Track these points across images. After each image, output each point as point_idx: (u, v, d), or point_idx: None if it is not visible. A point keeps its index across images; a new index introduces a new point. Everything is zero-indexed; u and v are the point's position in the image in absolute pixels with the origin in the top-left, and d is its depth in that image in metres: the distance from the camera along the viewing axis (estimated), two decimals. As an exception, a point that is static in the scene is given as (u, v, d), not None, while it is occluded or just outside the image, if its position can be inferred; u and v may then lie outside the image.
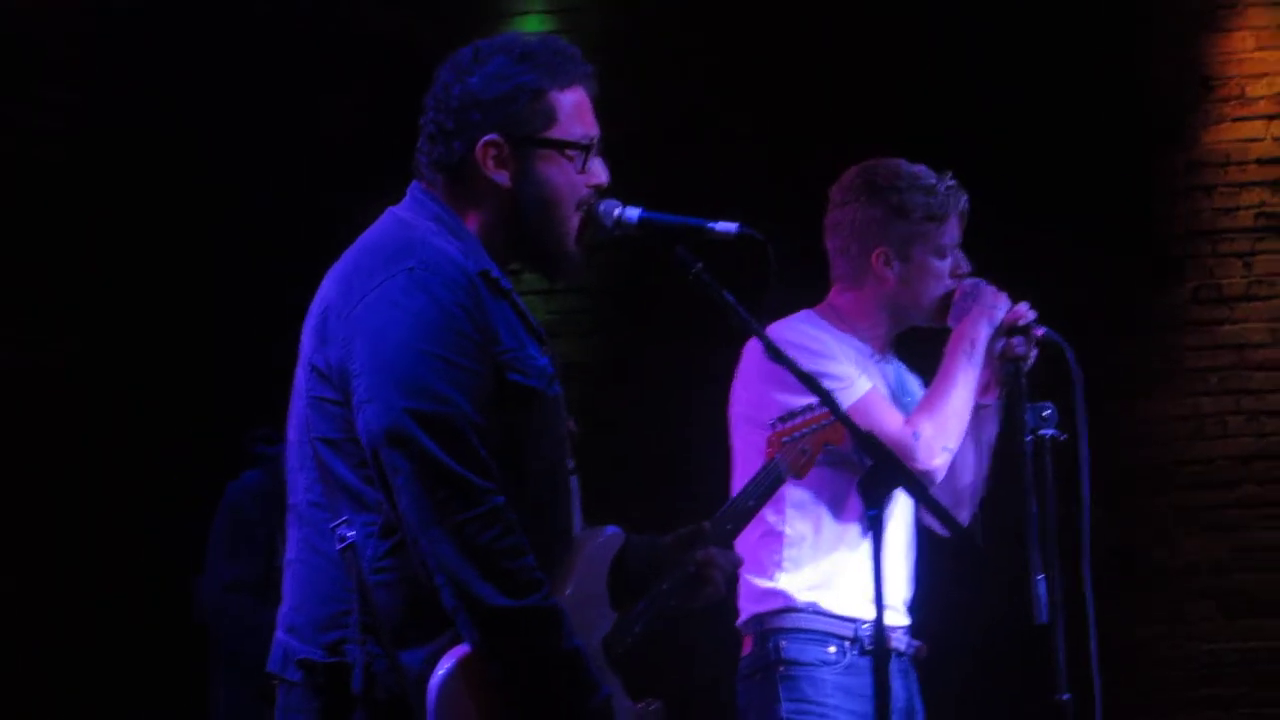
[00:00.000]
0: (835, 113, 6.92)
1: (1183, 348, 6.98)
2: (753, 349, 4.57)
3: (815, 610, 4.48)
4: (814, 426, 3.95)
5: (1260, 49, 7.11)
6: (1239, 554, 6.93)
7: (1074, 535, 4.40)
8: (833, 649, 4.47)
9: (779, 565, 4.52)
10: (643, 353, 7.12)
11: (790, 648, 4.47)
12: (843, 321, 4.64)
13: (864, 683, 4.48)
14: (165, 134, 7.59)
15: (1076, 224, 6.71)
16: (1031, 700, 4.56)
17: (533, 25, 7.33)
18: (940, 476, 4.50)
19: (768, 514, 4.15)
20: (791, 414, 3.98)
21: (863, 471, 4.01)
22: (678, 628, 3.67)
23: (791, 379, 3.58)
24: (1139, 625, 6.65)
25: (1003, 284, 4.64)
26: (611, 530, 3.57)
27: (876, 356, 4.67)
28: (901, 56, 6.99)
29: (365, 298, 3.31)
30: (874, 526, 3.37)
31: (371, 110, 7.35)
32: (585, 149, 3.47)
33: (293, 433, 3.43)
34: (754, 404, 4.51)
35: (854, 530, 4.52)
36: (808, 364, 4.14)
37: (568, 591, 3.38)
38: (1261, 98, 7.10)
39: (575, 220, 3.48)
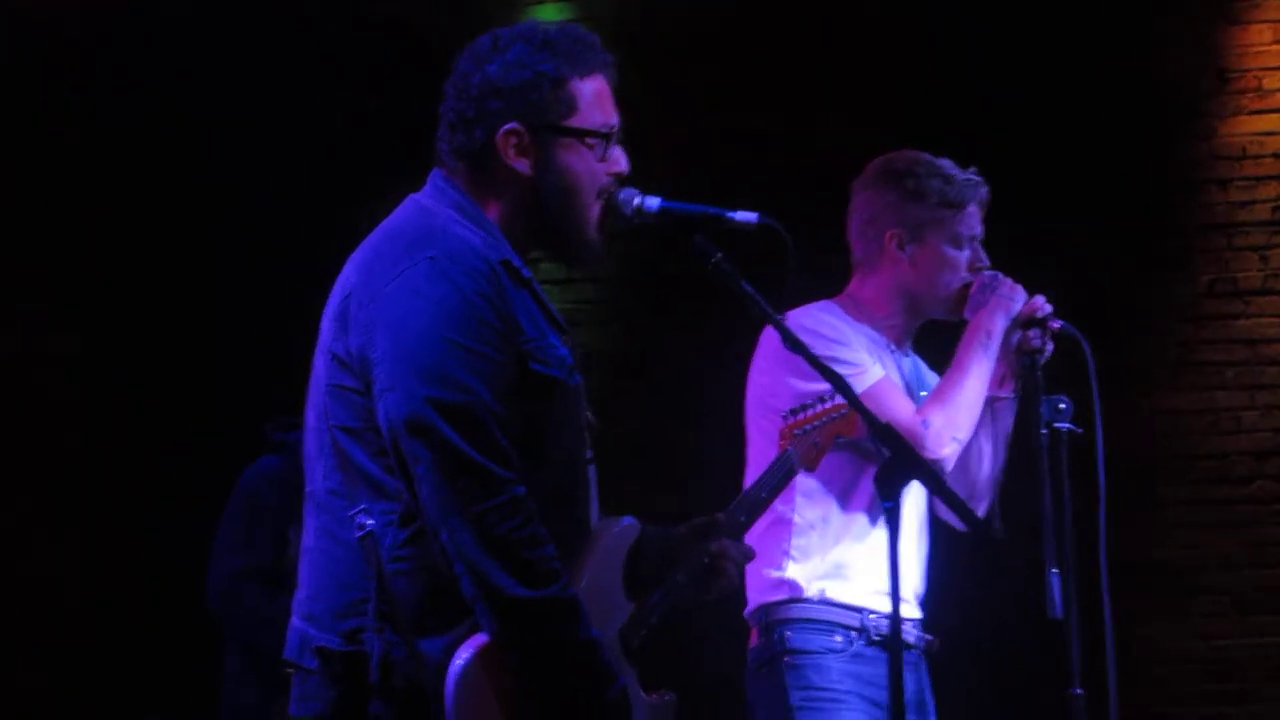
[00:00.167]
0: (851, 103, 6.91)
1: (1197, 342, 6.96)
2: (769, 336, 4.57)
3: (822, 600, 4.49)
4: (827, 419, 3.95)
5: (1277, 41, 7.09)
6: (1252, 549, 6.91)
7: (1088, 529, 4.39)
8: (839, 638, 4.48)
9: (787, 554, 4.52)
10: (659, 342, 7.11)
11: (795, 638, 4.48)
12: (860, 311, 4.64)
13: (872, 672, 4.48)
14: (171, 128, 7.58)
15: (1092, 217, 6.70)
16: (1044, 695, 4.56)
17: (549, 14, 7.32)
18: (950, 466, 4.50)
19: (777, 503, 4.15)
20: (804, 405, 3.98)
21: (876, 460, 4.04)
22: (691, 619, 3.66)
23: (807, 366, 3.58)
24: (1151, 620, 6.64)
25: (1017, 277, 4.65)
26: (628, 521, 3.56)
27: (892, 348, 4.67)
28: (917, 47, 6.98)
29: (387, 286, 3.30)
30: (890, 518, 3.37)
31: (389, 100, 7.34)
32: (606, 137, 3.47)
33: (311, 420, 3.42)
34: (769, 390, 4.52)
35: (863, 519, 4.52)
36: (821, 350, 4.18)
37: (584, 582, 3.37)
38: (1278, 90, 7.08)
39: (596, 209, 3.47)
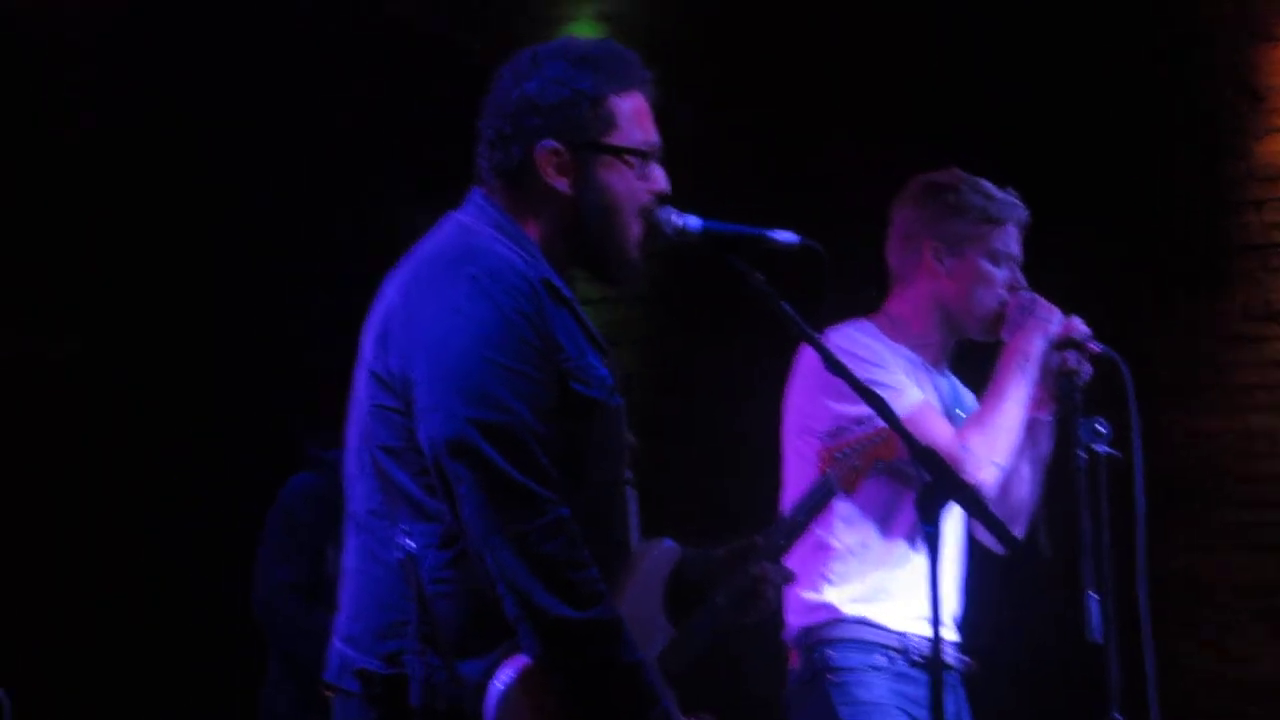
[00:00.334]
0: (892, 120, 6.89)
1: (1232, 364, 6.92)
2: (807, 357, 4.56)
3: (862, 622, 4.48)
4: (867, 442, 3.93)
5: (1315, 63, 7.06)
6: (1289, 573, 6.87)
7: (1125, 552, 4.36)
8: (880, 657, 4.47)
9: (826, 578, 4.52)
10: (695, 362, 7.10)
11: (838, 656, 4.48)
12: (896, 330, 4.63)
13: (915, 691, 4.48)
14: (177, 129, 7.58)
15: (1127, 238, 6.67)
16: (1083, 718, 4.53)
17: (581, 30, 7.32)
18: (991, 490, 4.48)
19: (816, 527, 4.13)
20: (843, 429, 3.97)
21: (915, 484, 4.01)
22: (728, 641, 3.64)
23: (846, 388, 3.57)
24: (1185, 644, 6.60)
25: (1053, 298, 4.63)
26: (667, 543, 3.55)
27: (930, 368, 4.66)
28: (956, 68, 6.96)
29: (427, 305, 3.29)
30: (931, 542, 3.34)
31: (422, 117, 7.34)
32: (645, 155, 3.46)
33: (352, 440, 3.41)
34: (807, 413, 4.51)
35: (902, 543, 4.51)
36: (860, 373, 4.11)
37: (623, 605, 3.35)
38: (1315, 112, 7.05)
39: (636, 227, 3.46)
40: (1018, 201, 4.65)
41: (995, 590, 4.89)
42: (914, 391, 4.48)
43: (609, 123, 3.42)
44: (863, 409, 3.94)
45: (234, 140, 7.53)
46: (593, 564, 3.22)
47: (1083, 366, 4.57)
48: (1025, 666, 6.24)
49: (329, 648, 3.39)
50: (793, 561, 3.88)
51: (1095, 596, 4.32)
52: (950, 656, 4.56)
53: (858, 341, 4.52)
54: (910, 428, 3.72)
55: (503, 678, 3.21)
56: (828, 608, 4.50)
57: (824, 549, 4.50)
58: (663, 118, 3.53)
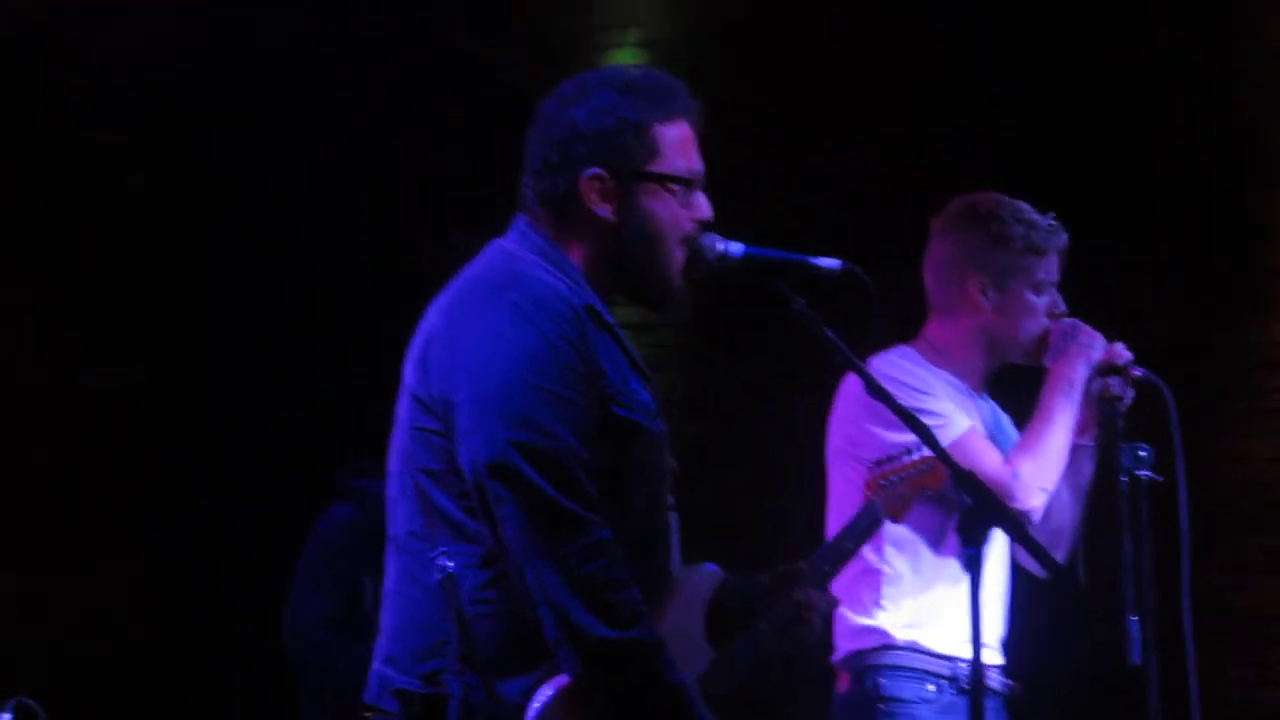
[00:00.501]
0: (943, 150, 6.88)
1: (1273, 389, 6.90)
2: (851, 383, 4.57)
3: (914, 648, 4.49)
4: (914, 471, 3.94)
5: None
6: (1329, 599, 6.84)
7: (1167, 577, 4.37)
8: (931, 687, 4.48)
9: (877, 603, 4.52)
10: (736, 387, 7.11)
11: (890, 685, 4.48)
12: (939, 356, 4.64)
13: (961, 720, 4.47)
14: (224, 163, 7.62)
15: (1169, 263, 6.66)
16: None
17: (625, 59, 7.34)
18: (1038, 516, 4.50)
19: (866, 551, 4.15)
20: (890, 458, 3.97)
21: (961, 509, 4.02)
22: (773, 668, 3.65)
23: (890, 415, 3.58)
24: (1225, 669, 6.58)
25: (1095, 323, 4.63)
26: (709, 568, 3.56)
27: (972, 393, 4.67)
28: (1009, 91, 6.94)
29: (470, 329, 3.31)
30: (972, 565, 3.36)
31: (467, 147, 7.37)
32: (689, 183, 3.47)
33: (394, 463, 3.43)
34: (851, 439, 4.52)
35: (952, 567, 4.51)
36: (906, 401, 4.16)
37: (665, 629, 3.35)
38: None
39: (680, 255, 3.47)
40: (1058, 227, 4.65)
41: (1038, 614, 4.89)
42: (961, 419, 4.49)
43: (653, 151, 3.43)
44: (909, 436, 3.98)
45: (276, 175, 7.56)
46: (634, 585, 3.23)
47: (1125, 392, 4.58)
48: (1067, 689, 6.23)
49: (369, 670, 3.41)
50: (842, 585, 3.90)
51: (1136, 620, 4.33)
52: (994, 680, 4.57)
53: (902, 368, 4.53)
54: (958, 455, 3.75)
55: (542, 697, 3.22)
56: (879, 632, 4.51)
57: (874, 573, 4.51)
58: (705, 144, 3.56)
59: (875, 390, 3.46)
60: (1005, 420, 4.80)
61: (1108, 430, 4.55)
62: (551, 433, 3.23)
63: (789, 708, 5.35)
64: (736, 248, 3.50)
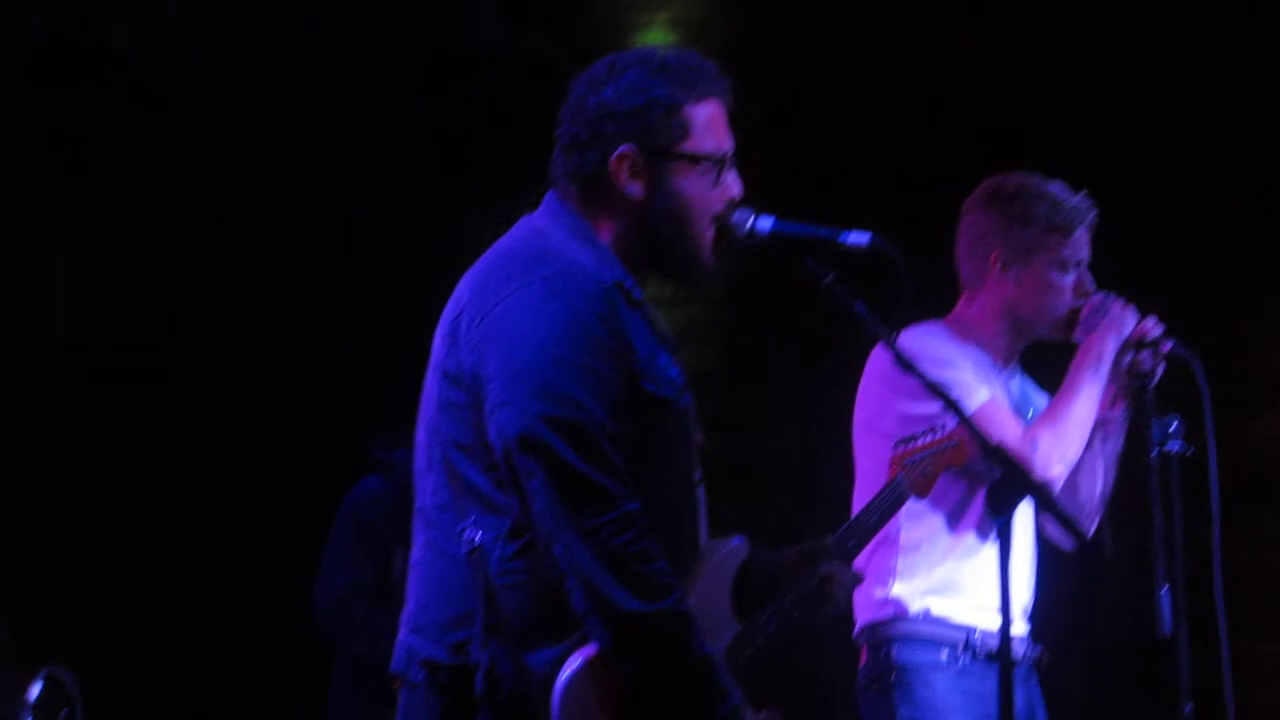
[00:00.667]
0: (976, 124, 6.89)
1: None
2: (877, 358, 4.60)
3: (926, 617, 4.51)
4: (938, 448, 3.97)
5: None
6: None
7: (1196, 548, 4.39)
8: (944, 654, 4.49)
9: (894, 573, 4.55)
10: (763, 362, 7.13)
11: (901, 654, 4.51)
12: (966, 332, 4.67)
13: (979, 687, 4.49)
14: (282, 140, 7.66)
15: (1200, 239, 6.65)
16: (1152, 713, 4.55)
17: (657, 38, 7.36)
18: (1057, 487, 4.51)
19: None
20: (915, 435, 4.00)
21: (984, 481, 4.06)
22: (798, 640, 3.68)
23: (917, 389, 3.63)
24: (1255, 640, 6.58)
25: (1127, 298, 4.65)
26: (737, 541, 3.59)
27: (999, 367, 4.69)
28: (1044, 73, 6.94)
29: (499, 304, 3.33)
30: (1002, 536, 3.37)
31: (498, 125, 7.40)
32: (719, 162, 3.49)
33: (422, 436, 3.45)
34: (877, 413, 4.55)
35: (970, 537, 4.54)
36: (929, 373, 4.19)
37: (692, 601, 3.36)
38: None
39: (709, 232, 3.49)
40: (1087, 205, 4.66)
41: (1069, 584, 4.91)
42: (982, 390, 4.51)
43: (684, 130, 3.46)
44: (932, 408, 4.02)
45: (345, 153, 7.61)
46: (662, 557, 3.25)
47: (1156, 366, 4.60)
48: (1098, 660, 6.25)
49: (396, 641, 3.44)
50: (860, 558, 3.92)
51: (1167, 591, 4.35)
52: (1021, 647, 4.60)
53: (924, 342, 4.55)
54: (978, 425, 3.77)
55: (569, 669, 3.24)
56: (894, 603, 4.54)
57: (891, 544, 4.53)
58: (736, 122, 3.58)
59: (903, 363, 3.48)
60: (1036, 395, 4.82)
61: (1138, 404, 4.57)
62: (581, 406, 3.25)
63: (813, 682, 5.40)
64: (765, 223, 3.52)
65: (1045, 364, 4.77)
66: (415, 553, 3.46)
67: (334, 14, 7.58)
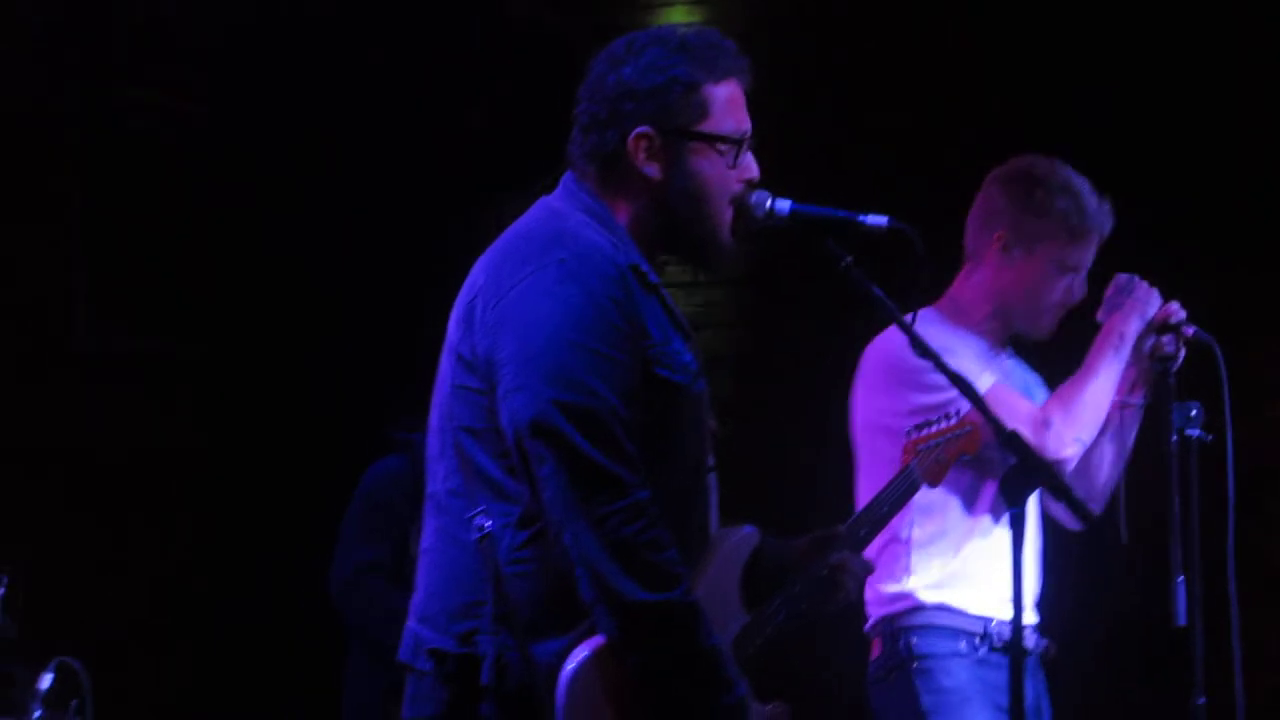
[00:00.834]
0: (995, 111, 6.85)
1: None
2: (872, 355, 4.57)
3: (945, 608, 4.49)
4: (951, 435, 3.95)
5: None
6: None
7: (1213, 536, 4.37)
8: (963, 644, 4.48)
9: (907, 569, 4.53)
10: (785, 345, 7.11)
11: (922, 643, 4.49)
12: (959, 315, 4.62)
13: (997, 677, 4.48)
14: (294, 129, 7.65)
15: (1222, 224, 6.62)
16: (1164, 704, 4.54)
17: (678, 16, 7.33)
18: (1071, 466, 4.49)
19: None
20: (928, 422, 3.98)
21: (993, 470, 4.04)
22: (807, 631, 3.66)
23: (925, 379, 3.64)
24: (1270, 629, 6.56)
25: (1151, 281, 4.62)
26: (748, 530, 3.56)
27: (995, 350, 4.66)
28: (1069, 52, 6.90)
29: (515, 287, 3.30)
30: (1016, 525, 3.35)
31: (521, 101, 7.38)
32: (738, 143, 3.46)
33: (435, 420, 3.43)
34: (884, 407, 4.51)
35: (982, 528, 4.53)
36: (922, 378, 4.21)
37: (701, 589, 3.35)
38: None
39: (727, 214, 3.46)
40: (1107, 212, 4.61)
41: (1082, 572, 4.89)
42: (986, 375, 4.48)
43: (702, 110, 3.42)
44: (941, 397, 4.01)
45: (357, 139, 7.60)
46: (672, 547, 3.22)
47: (1178, 350, 4.57)
48: (1111, 649, 6.23)
49: (405, 628, 3.42)
50: (871, 553, 3.90)
51: (1182, 580, 4.33)
52: (1029, 640, 4.57)
53: (924, 333, 4.49)
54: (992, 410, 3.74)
55: (575, 659, 3.22)
56: (909, 596, 4.52)
57: (903, 540, 4.51)
58: (759, 101, 3.55)
59: (919, 347, 3.47)
60: (1033, 381, 4.78)
61: (1159, 389, 4.54)
62: (594, 392, 3.22)
63: (823, 677, 5.38)
64: (784, 205, 3.49)
65: (1061, 348, 4.73)
66: (425, 539, 3.44)
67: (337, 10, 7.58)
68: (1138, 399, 4.62)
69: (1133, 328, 4.57)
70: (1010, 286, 4.62)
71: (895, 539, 4.48)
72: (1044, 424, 4.44)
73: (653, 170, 3.42)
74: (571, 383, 3.22)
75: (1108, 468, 4.65)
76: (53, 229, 7.27)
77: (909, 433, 3.99)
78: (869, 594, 4.54)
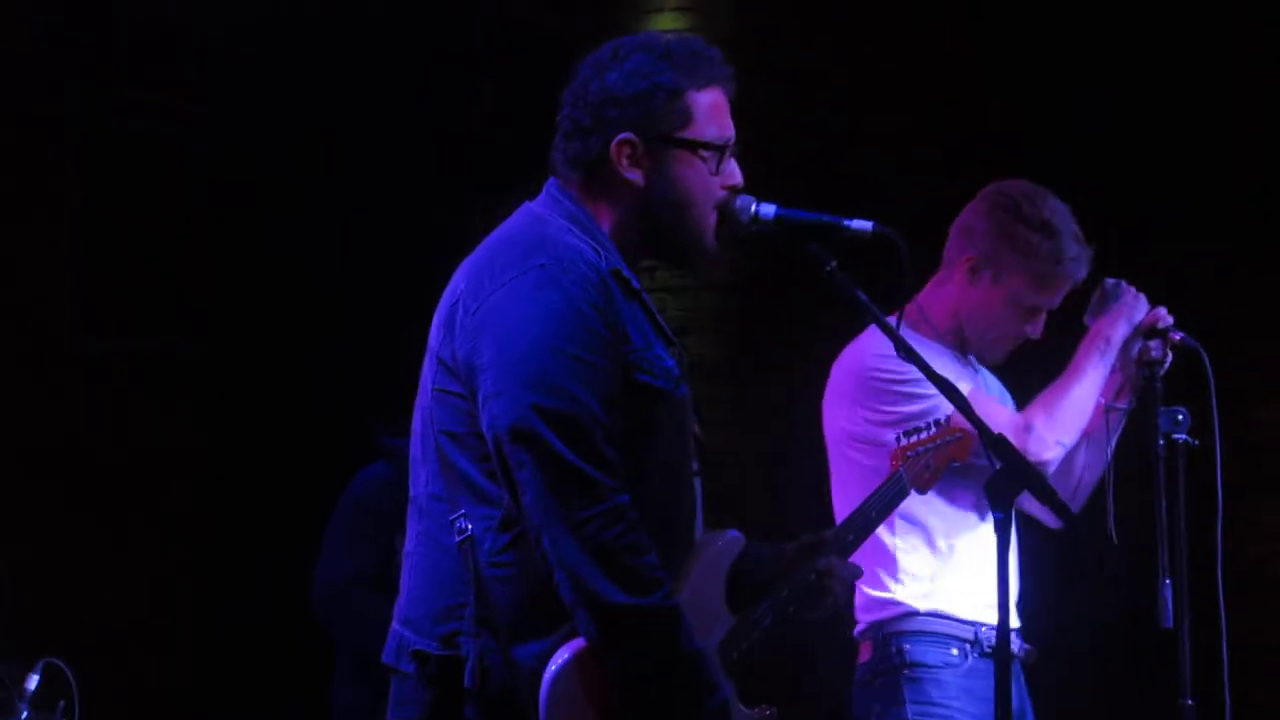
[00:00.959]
0: (993, 114, 6.85)
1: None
2: (847, 362, 4.57)
3: (936, 614, 4.48)
4: (941, 441, 3.96)
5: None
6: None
7: (1199, 540, 4.38)
8: (955, 651, 4.48)
9: (895, 578, 4.51)
10: (775, 350, 7.11)
11: (914, 650, 4.47)
12: (924, 324, 4.57)
13: (984, 685, 4.46)
14: (290, 129, 7.66)
15: (1208, 228, 6.61)
16: (1152, 706, 4.55)
17: (667, 22, 7.33)
18: (1052, 469, 4.48)
19: (879, 529, 4.13)
20: (917, 429, 3.98)
21: (975, 476, 4.04)
22: (793, 635, 3.67)
23: (899, 387, 3.66)
24: (1260, 634, 6.57)
25: (1139, 286, 4.62)
26: (732, 534, 3.56)
27: (961, 359, 4.64)
28: (1071, 65, 6.90)
29: (495, 293, 3.31)
30: (1002, 529, 3.36)
31: (512, 105, 7.40)
32: (720, 150, 3.46)
33: (417, 424, 3.44)
34: (860, 419, 4.49)
35: (966, 534, 4.52)
36: (898, 378, 4.23)
37: (685, 594, 3.36)
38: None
39: (711, 219, 3.47)
40: (1083, 261, 4.57)
41: (1070, 577, 4.90)
42: (962, 384, 4.44)
43: (686, 117, 3.43)
44: (919, 407, 4.03)
45: (351, 141, 7.61)
46: (652, 551, 3.23)
47: (1166, 355, 4.57)
48: (1099, 653, 6.24)
49: (390, 630, 3.43)
50: (858, 560, 3.90)
51: (1169, 583, 4.34)
52: (1014, 644, 4.56)
53: (893, 352, 4.44)
54: (964, 420, 3.74)
55: (557, 662, 3.23)
56: (899, 603, 4.50)
57: (887, 549, 4.49)
58: (742, 110, 3.56)
59: (904, 350, 3.48)
60: (999, 387, 4.78)
61: (1146, 394, 4.54)
62: (574, 397, 3.22)
63: (808, 681, 5.38)
64: (768, 210, 3.50)
65: (1047, 351, 4.73)
66: (408, 543, 3.45)
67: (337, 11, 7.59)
68: (1124, 403, 4.61)
69: (1119, 332, 4.56)
70: (970, 309, 4.60)
71: (879, 547, 4.47)
72: (1025, 428, 4.43)
73: (636, 176, 3.43)
74: (551, 388, 3.22)
75: (1089, 471, 4.65)
76: (52, 229, 7.28)
77: (898, 439, 3.99)
78: (858, 599, 4.53)
